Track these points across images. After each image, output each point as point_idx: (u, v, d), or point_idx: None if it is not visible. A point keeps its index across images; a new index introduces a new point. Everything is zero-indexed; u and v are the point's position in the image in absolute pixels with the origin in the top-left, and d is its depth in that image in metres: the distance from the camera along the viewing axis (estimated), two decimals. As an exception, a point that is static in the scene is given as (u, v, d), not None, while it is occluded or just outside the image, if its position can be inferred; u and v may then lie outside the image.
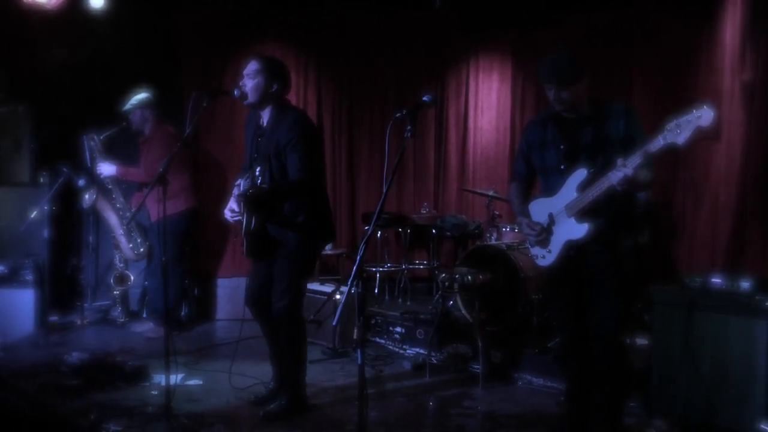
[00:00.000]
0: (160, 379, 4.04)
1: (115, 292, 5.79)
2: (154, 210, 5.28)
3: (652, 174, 2.84)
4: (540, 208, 3.16)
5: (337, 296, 5.00)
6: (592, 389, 3.16)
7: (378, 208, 2.61)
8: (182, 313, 5.78)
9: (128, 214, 5.42)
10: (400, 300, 6.21)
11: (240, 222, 3.58)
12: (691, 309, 3.44)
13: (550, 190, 3.12)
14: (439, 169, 7.01)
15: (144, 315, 5.81)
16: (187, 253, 5.68)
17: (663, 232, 5.09)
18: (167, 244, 4.16)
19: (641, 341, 4.18)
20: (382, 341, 5.22)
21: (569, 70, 2.94)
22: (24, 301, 5.27)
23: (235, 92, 3.56)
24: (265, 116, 3.64)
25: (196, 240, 5.92)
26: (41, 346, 5.00)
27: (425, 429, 3.70)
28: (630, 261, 3.04)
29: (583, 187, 2.94)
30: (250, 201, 3.48)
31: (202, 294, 6.03)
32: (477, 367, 4.36)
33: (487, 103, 6.67)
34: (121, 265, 5.73)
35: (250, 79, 3.55)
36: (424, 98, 2.77)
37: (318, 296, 5.09)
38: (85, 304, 5.86)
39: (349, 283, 2.49)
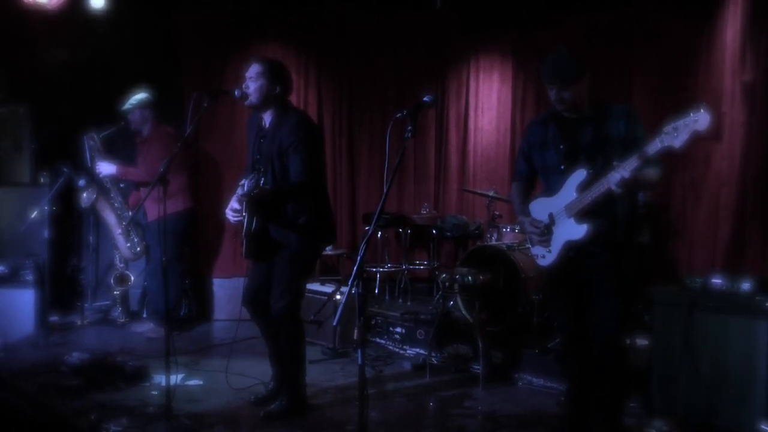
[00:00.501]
0: (160, 379, 4.04)
1: (115, 293, 5.79)
2: (150, 209, 5.28)
3: (660, 172, 2.84)
4: (540, 208, 3.17)
5: (338, 296, 5.00)
6: (592, 389, 3.16)
7: (378, 208, 2.61)
8: (182, 313, 5.78)
9: (126, 214, 5.43)
10: (400, 300, 6.20)
11: (241, 222, 3.59)
12: (691, 309, 3.44)
13: (551, 189, 3.13)
14: (439, 170, 7.00)
15: (144, 315, 5.82)
16: (187, 254, 5.68)
17: (663, 233, 5.08)
18: (167, 244, 4.15)
19: (641, 341, 4.16)
20: (383, 341, 5.21)
21: (571, 69, 2.95)
22: (24, 301, 5.27)
23: (236, 92, 3.56)
24: (267, 118, 3.65)
25: (195, 240, 5.92)
26: (41, 346, 5.00)
27: (425, 429, 3.71)
28: (630, 261, 3.04)
29: (583, 187, 2.95)
30: (253, 201, 3.48)
31: (201, 294, 6.02)
32: (477, 368, 4.36)
33: (487, 104, 6.66)
34: (122, 265, 5.73)
35: (252, 82, 3.55)
36: (425, 98, 2.77)
37: (318, 296, 5.09)
38: (86, 305, 5.87)
39: (349, 283, 2.48)
